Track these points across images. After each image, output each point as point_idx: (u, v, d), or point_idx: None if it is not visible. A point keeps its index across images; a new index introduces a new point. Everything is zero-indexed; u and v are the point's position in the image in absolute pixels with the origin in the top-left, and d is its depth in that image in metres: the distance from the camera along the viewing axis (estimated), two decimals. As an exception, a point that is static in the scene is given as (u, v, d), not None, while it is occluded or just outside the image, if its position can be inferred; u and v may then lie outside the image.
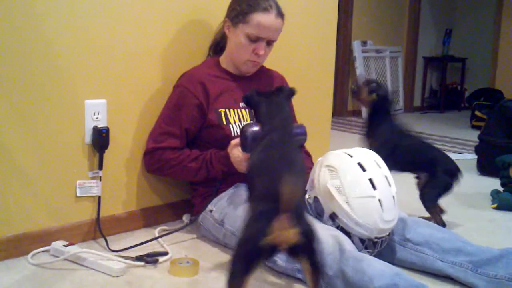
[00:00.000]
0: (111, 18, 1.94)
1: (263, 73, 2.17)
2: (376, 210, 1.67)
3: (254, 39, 1.94)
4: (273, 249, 1.21)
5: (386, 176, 1.73)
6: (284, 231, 1.17)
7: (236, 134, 1.96)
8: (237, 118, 2.01)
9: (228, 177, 1.95)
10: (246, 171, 1.52)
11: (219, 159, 1.92)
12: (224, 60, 2.09)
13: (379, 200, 1.67)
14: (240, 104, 2.02)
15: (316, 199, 1.76)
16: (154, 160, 2.01)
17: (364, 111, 2.21)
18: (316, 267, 1.27)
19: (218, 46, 2.14)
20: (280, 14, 1.96)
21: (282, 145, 1.45)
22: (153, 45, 2.08)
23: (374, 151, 1.83)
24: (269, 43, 1.99)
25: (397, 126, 2.23)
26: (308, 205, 1.81)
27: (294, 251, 1.24)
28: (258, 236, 1.18)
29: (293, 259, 1.35)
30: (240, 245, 1.25)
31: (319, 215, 1.76)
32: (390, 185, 1.73)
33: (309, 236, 1.23)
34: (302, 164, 1.46)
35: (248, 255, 1.22)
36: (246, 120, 2.02)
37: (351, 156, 1.74)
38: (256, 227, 1.22)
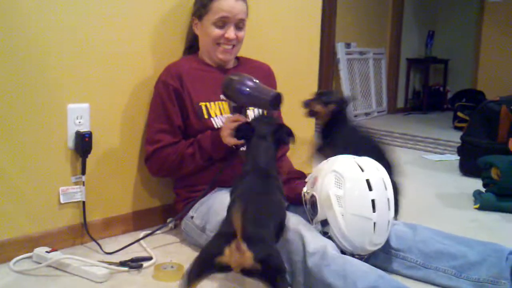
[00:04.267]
0: (93, 22, 1.93)
1: (248, 65, 2.17)
2: (368, 233, 1.66)
3: (221, 25, 1.98)
4: (226, 268, 1.27)
5: (388, 199, 1.71)
6: (236, 254, 1.23)
7: (218, 127, 1.95)
8: (218, 111, 2.00)
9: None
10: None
11: (211, 133, 1.91)
12: (202, 55, 2.11)
13: (374, 223, 1.66)
14: (221, 96, 2.01)
15: (313, 197, 1.75)
16: (156, 162, 1.99)
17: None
18: None
19: (193, 47, 2.15)
20: None
21: (258, 184, 1.52)
22: (136, 48, 2.07)
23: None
24: (238, 27, 2.01)
25: (358, 130, 2.14)
26: (302, 197, 1.81)
27: (248, 274, 1.27)
28: (214, 254, 1.27)
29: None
30: (199, 255, 1.33)
31: (312, 209, 1.75)
32: (389, 209, 1.71)
33: (267, 263, 1.25)
34: (274, 198, 1.51)
35: (203, 266, 1.31)
36: (227, 113, 2.00)
37: (362, 170, 1.71)
38: (215, 245, 1.30)
